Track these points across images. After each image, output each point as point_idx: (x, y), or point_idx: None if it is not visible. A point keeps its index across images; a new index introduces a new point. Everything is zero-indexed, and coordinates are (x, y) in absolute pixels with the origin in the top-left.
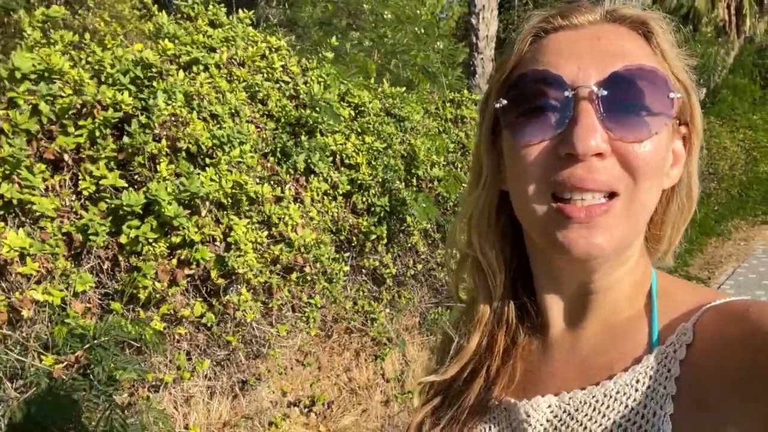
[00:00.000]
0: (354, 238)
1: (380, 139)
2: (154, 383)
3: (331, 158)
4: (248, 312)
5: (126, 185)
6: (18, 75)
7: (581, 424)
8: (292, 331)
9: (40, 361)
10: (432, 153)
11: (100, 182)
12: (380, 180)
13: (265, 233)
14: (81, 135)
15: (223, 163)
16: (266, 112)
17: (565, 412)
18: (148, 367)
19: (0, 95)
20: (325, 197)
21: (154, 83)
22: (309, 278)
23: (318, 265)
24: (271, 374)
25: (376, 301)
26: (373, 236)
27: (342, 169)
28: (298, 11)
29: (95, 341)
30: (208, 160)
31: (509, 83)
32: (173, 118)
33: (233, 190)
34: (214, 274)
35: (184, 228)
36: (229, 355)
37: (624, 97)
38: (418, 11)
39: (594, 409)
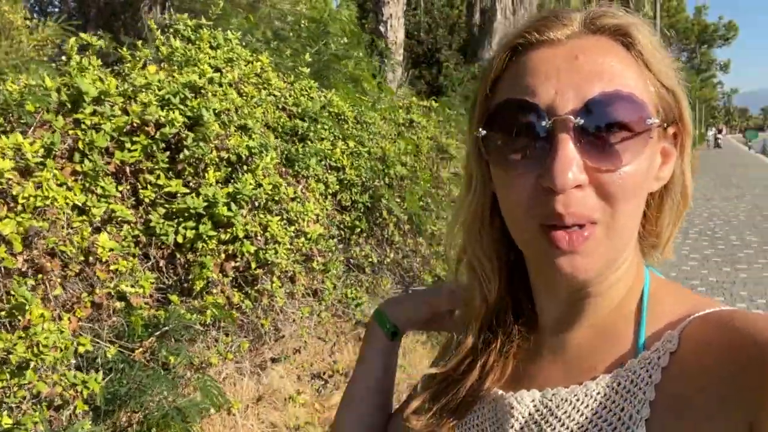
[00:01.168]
0: (341, 232)
1: (360, 144)
2: (200, 366)
3: (322, 162)
4: (279, 298)
5: (187, 191)
6: (88, 99)
7: (560, 420)
8: (309, 315)
9: (107, 349)
10: (400, 154)
11: (164, 189)
12: (363, 179)
13: (292, 228)
14: (136, 150)
15: (259, 169)
16: (265, 123)
17: (546, 407)
18: (192, 352)
19: (55, 117)
20: (320, 196)
21: (189, 102)
22: (320, 267)
23: (329, 254)
24: (287, 354)
25: (360, 288)
26: (358, 229)
27: (330, 171)
28: (224, 23)
29: (163, 328)
30: (245, 167)
31: (488, 112)
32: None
33: (272, 192)
34: (254, 265)
35: (234, 226)
36: (255, 339)
37: (601, 124)
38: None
39: (573, 407)
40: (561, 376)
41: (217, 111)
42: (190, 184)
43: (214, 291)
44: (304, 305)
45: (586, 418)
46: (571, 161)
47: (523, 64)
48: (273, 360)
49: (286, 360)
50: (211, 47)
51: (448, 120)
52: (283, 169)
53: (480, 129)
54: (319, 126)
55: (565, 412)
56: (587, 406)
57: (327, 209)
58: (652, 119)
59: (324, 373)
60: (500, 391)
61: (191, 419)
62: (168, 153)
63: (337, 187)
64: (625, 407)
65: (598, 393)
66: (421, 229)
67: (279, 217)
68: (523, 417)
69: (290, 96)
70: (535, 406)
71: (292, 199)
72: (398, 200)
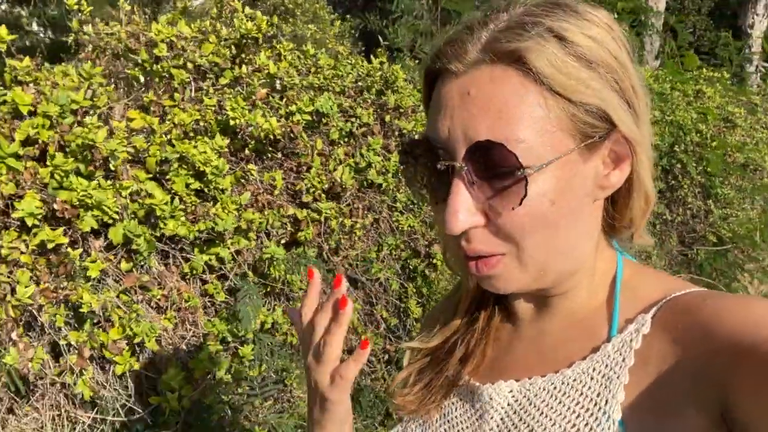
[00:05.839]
0: None
1: (662, 112)
2: None
3: None
4: None
5: None
6: None
7: (539, 410)
8: None
9: None
10: (696, 122)
11: None
12: (666, 144)
13: None
14: None
15: None
16: None
17: (525, 397)
18: None
19: None
20: None
21: None
22: None
23: None
24: None
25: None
26: (656, 189)
27: None
28: None
29: None
30: None
31: (404, 146)
32: None
33: None
34: None
35: None
36: None
37: (487, 166)
38: None
39: (551, 396)
40: (538, 365)
41: None
42: None
43: None
44: None
45: (565, 405)
46: (459, 206)
47: (435, 95)
48: None
49: None
50: None
51: (727, 90)
52: None
53: (400, 161)
54: None
55: (544, 400)
56: (565, 393)
57: None
58: (523, 170)
59: None
60: (477, 383)
61: None
62: None
63: None
64: (601, 392)
65: (575, 380)
66: (712, 191)
67: None
68: (502, 408)
69: None
70: (513, 396)
71: None
72: (694, 164)
